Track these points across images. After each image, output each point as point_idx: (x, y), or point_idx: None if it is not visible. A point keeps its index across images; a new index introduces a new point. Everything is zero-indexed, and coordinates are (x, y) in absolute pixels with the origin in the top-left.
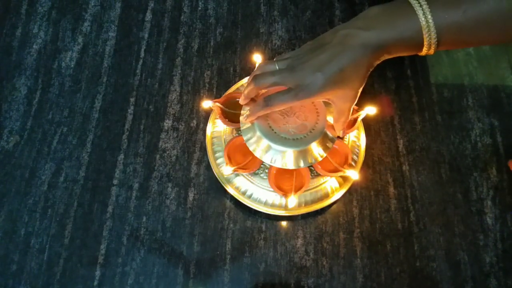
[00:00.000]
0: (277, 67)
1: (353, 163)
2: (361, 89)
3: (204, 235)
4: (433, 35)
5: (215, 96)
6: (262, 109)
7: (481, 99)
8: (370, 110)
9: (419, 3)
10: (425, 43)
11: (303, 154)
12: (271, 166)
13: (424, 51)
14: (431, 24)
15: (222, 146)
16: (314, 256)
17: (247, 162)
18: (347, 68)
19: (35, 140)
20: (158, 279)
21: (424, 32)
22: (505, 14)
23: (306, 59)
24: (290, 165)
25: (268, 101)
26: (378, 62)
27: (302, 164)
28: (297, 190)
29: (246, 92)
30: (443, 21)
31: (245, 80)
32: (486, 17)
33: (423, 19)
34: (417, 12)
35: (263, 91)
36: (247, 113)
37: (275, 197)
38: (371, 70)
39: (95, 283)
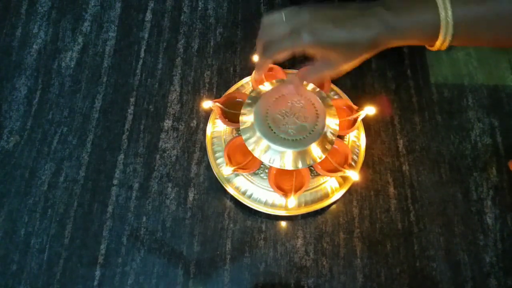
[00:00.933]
0: (284, 18)
1: (353, 163)
2: (351, 66)
3: (204, 235)
4: (450, 29)
5: (215, 96)
6: (264, 60)
7: (481, 99)
8: (370, 110)
9: None
10: (441, 36)
11: (302, 155)
12: (271, 166)
13: (436, 45)
14: (450, 18)
15: (222, 146)
16: (314, 256)
17: (247, 162)
18: (357, 36)
19: (35, 140)
20: (158, 279)
21: (442, 25)
22: None
23: (320, 9)
24: (289, 166)
25: (268, 49)
26: (388, 45)
27: (301, 165)
28: (297, 190)
29: (257, 73)
30: (462, 15)
31: (245, 80)
32: (505, 15)
33: (443, 13)
34: (438, 4)
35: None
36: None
37: (275, 197)
38: (374, 51)
39: (95, 283)
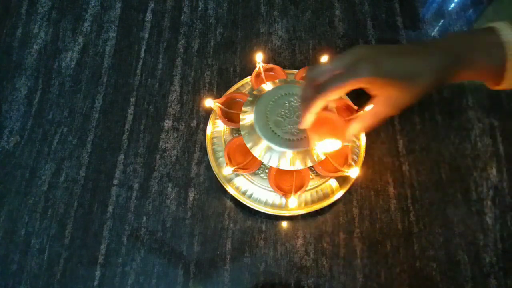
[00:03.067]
0: (333, 64)
1: (353, 163)
2: (410, 102)
3: (204, 235)
4: None
5: (215, 96)
6: (316, 100)
7: (481, 99)
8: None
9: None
10: (509, 59)
11: (302, 155)
12: (271, 166)
13: (507, 77)
14: None
15: (222, 146)
16: (314, 256)
17: (247, 162)
18: (421, 68)
19: (35, 140)
20: (158, 279)
21: (506, 46)
22: None
23: (377, 46)
24: (289, 166)
25: (322, 88)
26: (454, 78)
27: (301, 166)
28: (297, 190)
29: (308, 116)
30: None
31: (245, 80)
32: None
33: (506, 34)
34: (498, 29)
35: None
36: (298, 118)
37: (275, 197)
38: (437, 85)
39: (95, 283)
